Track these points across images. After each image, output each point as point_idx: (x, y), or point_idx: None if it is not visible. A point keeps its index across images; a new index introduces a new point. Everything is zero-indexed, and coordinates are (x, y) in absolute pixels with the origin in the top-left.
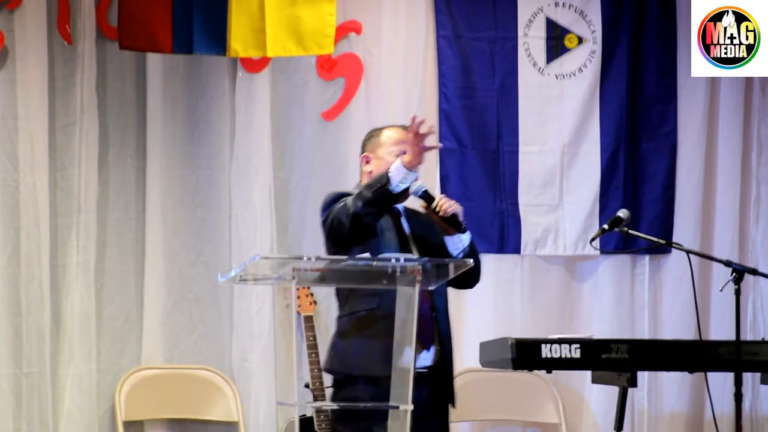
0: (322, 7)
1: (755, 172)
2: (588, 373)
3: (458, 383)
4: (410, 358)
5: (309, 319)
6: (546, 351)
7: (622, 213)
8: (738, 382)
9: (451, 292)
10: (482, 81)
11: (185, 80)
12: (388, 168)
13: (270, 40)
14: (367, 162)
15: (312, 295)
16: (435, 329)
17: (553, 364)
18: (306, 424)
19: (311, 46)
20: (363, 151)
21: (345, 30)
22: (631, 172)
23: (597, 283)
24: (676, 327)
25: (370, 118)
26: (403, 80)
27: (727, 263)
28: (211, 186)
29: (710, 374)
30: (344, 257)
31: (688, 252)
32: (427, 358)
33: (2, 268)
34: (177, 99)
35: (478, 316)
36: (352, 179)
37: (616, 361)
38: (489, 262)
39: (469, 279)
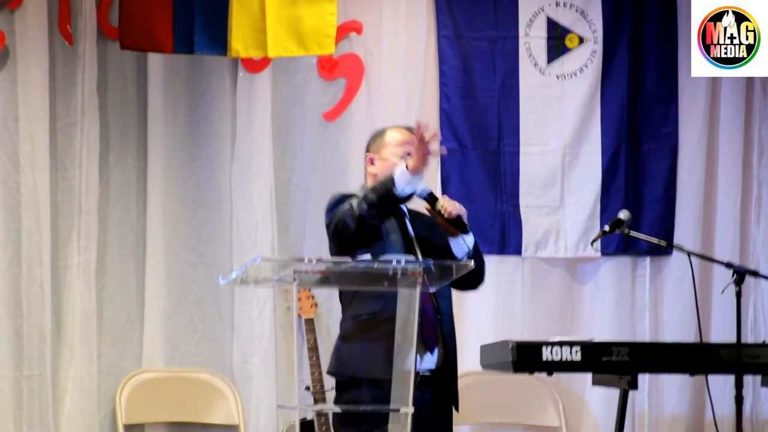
0: (322, 7)
1: (756, 173)
2: (589, 376)
3: (459, 386)
4: (411, 361)
5: (310, 322)
6: (546, 353)
7: (623, 214)
8: (739, 385)
9: (453, 294)
10: (483, 81)
11: (186, 80)
12: (393, 169)
13: (271, 40)
14: (372, 163)
15: (313, 297)
16: (439, 331)
17: (553, 367)
18: (306, 427)
19: (312, 47)
20: (367, 151)
21: (346, 30)
22: (632, 172)
23: (598, 285)
24: (676, 329)
25: (371, 119)
26: (404, 80)
27: (728, 265)
28: (212, 187)
29: (711, 377)
30: (345, 259)
31: (689, 253)
32: (430, 360)
33: (3, 269)
34: (178, 99)
35: (478, 319)
36: (353, 179)
37: (616, 363)
38: (490, 263)
39: (472, 281)
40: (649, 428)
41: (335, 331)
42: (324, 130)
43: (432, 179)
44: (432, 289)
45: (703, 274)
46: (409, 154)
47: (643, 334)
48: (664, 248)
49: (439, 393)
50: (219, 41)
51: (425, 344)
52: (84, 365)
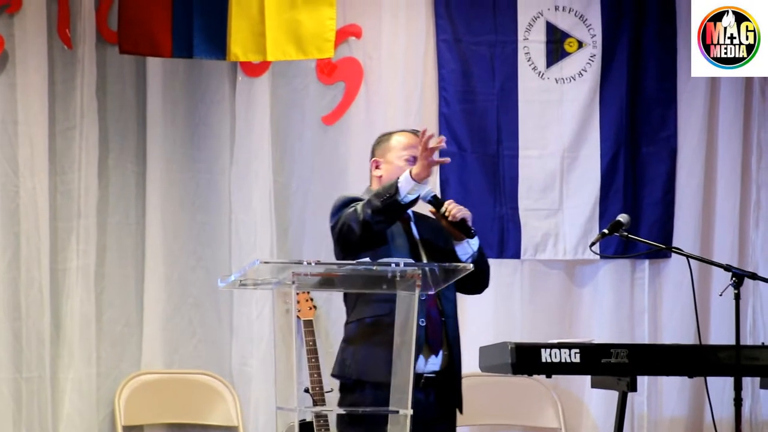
0: (322, 11)
1: (755, 177)
2: (588, 378)
3: None
4: (410, 363)
5: (309, 324)
6: (546, 356)
7: (622, 217)
8: (738, 387)
9: None
10: (482, 85)
11: (185, 84)
12: (398, 173)
13: (270, 44)
14: (377, 167)
15: (312, 299)
16: (443, 334)
17: (552, 369)
18: (305, 428)
19: (311, 50)
20: (372, 155)
21: (345, 34)
22: (631, 176)
23: (597, 288)
24: (675, 331)
25: (370, 122)
26: (403, 84)
27: (727, 267)
28: (211, 190)
29: (710, 379)
30: (344, 262)
31: (687, 256)
32: (435, 363)
33: (2, 272)
34: (177, 103)
35: (477, 321)
36: (352, 183)
37: (615, 365)
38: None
39: (477, 284)
40: (648, 430)
41: (334, 334)
42: (323, 134)
43: (431, 182)
44: (431, 292)
45: (701, 277)
46: (414, 157)
47: (642, 337)
48: (663, 251)
49: (443, 395)
50: (218, 45)
51: (430, 346)
52: (83, 368)
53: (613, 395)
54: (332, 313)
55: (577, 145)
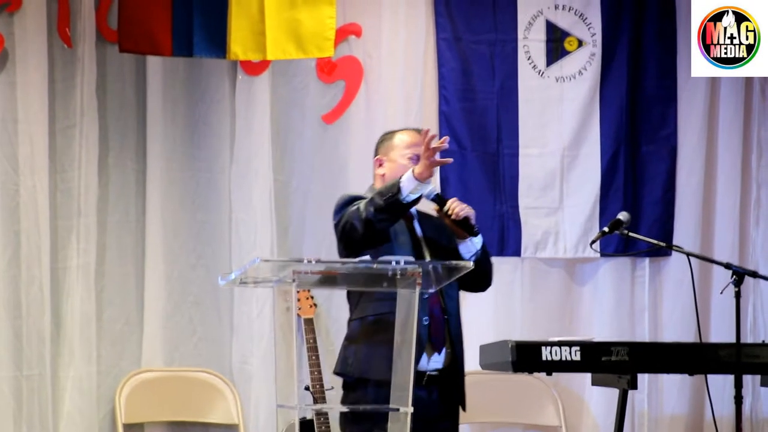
0: (321, 10)
1: (755, 175)
2: (588, 376)
3: None
4: (410, 361)
5: (309, 322)
6: (546, 353)
7: (622, 215)
8: (738, 385)
9: None
10: (482, 83)
11: (185, 83)
12: (401, 171)
13: (270, 43)
14: (380, 165)
15: (312, 297)
16: (446, 332)
17: (553, 367)
18: (306, 426)
19: (311, 49)
20: (376, 154)
21: (345, 33)
22: (631, 174)
23: (597, 286)
24: (676, 329)
25: (370, 121)
26: (403, 83)
27: (727, 266)
28: (211, 189)
29: (710, 377)
30: (344, 260)
31: (688, 254)
32: (438, 360)
33: (2, 270)
34: (177, 102)
35: (478, 319)
36: (352, 182)
37: (616, 363)
38: None
39: (481, 282)
40: (649, 428)
41: (334, 331)
42: (323, 133)
43: (432, 181)
44: (432, 290)
45: (702, 275)
46: (417, 156)
47: (643, 335)
48: (663, 249)
49: (446, 393)
50: (218, 44)
51: (433, 344)
52: (83, 366)
53: (614, 393)
54: (333, 311)
55: (577, 144)
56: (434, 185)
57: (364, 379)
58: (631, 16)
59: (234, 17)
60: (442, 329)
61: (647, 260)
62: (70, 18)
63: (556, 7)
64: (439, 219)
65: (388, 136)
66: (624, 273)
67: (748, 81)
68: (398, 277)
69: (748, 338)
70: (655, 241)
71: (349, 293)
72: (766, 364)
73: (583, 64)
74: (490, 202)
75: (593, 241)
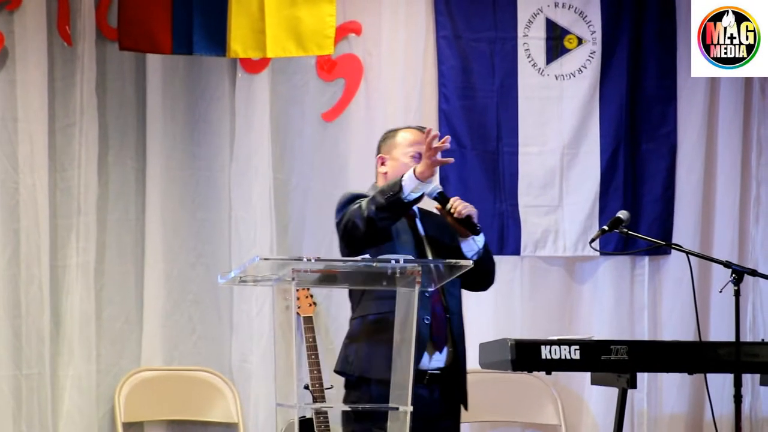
0: (321, 8)
1: (755, 173)
2: (587, 375)
3: None
4: (410, 360)
5: (309, 321)
6: (545, 352)
7: (622, 214)
8: (737, 384)
9: None
10: (482, 81)
11: (185, 81)
12: (404, 170)
13: (270, 40)
14: (383, 163)
15: (312, 296)
16: (448, 330)
17: (552, 366)
18: (305, 425)
19: (311, 47)
20: (378, 152)
21: (345, 31)
22: (630, 172)
23: (597, 284)
24: (675, 328)
25: (370, 119)
26: (402, 81)
27: (727, 264)
28: (210, 187)
29: (710, 375)
30: (344, 259)
31: (687, 253)
32: (439, 359)
33: (2, 269)
34: (177, 100)
35: (477, 317)
36: (352, 180)
37: (615, 362)
38: None
39: (483, 281)
40: (648, 427)
41: (334, 330)
42: (323, 131)
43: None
44: (431, 289)
45: (701, 274)
46: (420, 154)
47: (642, 334)
48: (662, 248)
49: (448, 392)
50: (218, 42)
51: (434, 343)
52: (83, 365)
53: (613, 392)
54: (332, 310)
55: (577, 142)
56: (437, 183)
57: (365, 378)
58: (631, 15)
59: (234, 15)
60: (444, 328)
61: (647, 259)
62: (70, 16)
63: (556, 5)
64: (442, 217)
65: (390, 134)
66: (623, 271)
67: (748, 79)
68: (398, 275)
69: (747, 337)
70: (654, 240)
71: (350, 292)
72: (766, 362)
73: (583, 62)
74: (489, 200)
75: (593, 240)
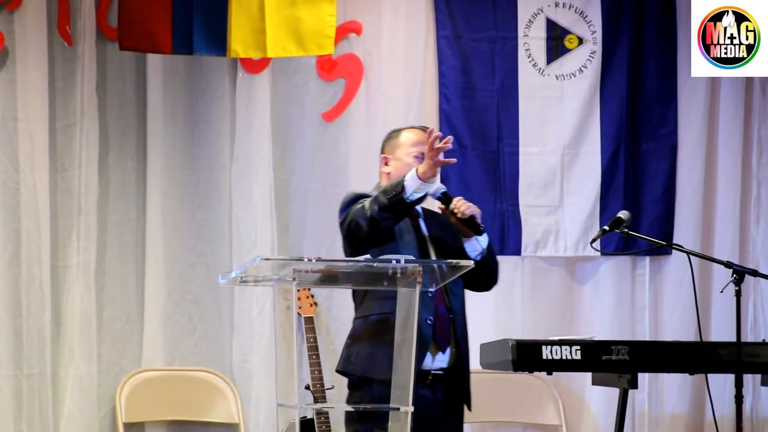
0: (322, 8)
1: (756, 173)
2: (588, 375)
3: None
4: (411, 360)
5: (309, 321)
6: (546, 352)
7: (623, 214)
8: (739, 384)
9: None
10: (482, 81)
11: (185, 81)
12: (407, 170)
13: (270, 40)
14: (386, 163)
15: (313, 296)
16: (452, 331)
17: (553, 366)
18: (306, 425)
19: (311, 47)
20: (382, 151)
21: (345, 31)
22: (631, 172)
23: (597, 285)
24: (676, 328)
25: (371, 119)
26: (403, 81)
27: (728, 264)
28: (211, 187)
29: (711, 376)
30: (344, 259)
31: (688, 253)
32: (443, 359)
33: (3, 269)
34: (177, 100)
35: (478, 318)
36: (352, 179)
37: (616, 362)
38: None
39: (486, 281)
40: (649, 427)
41: (335, 330)
42: (323, 131)
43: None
44: (432, 289)
45: (702, 274)
46: (423, 154)
47: (643, 334)
48: (663, 248)
49: (451, 392)
50: (218, 42)
51: (437, 344)
52: (84, 365)
53: (614, 392)
54: (333, 310)
55: (578, 142)
56: (441, 184)
57: (367, 378)
58: (632, 14)
59: (234, 15)
60: (447, 328)
61: (647, 259)
62: (70, 16)
63: (557, 5)
64: (445, 217)
65: (394, 134)
66: (624, 272)
67: (749, 79)
68: (398, 275)
69: (748, 337)
70: (655, 240)
71: (354, 292)
72: (767, 363)
73: (584, 62)
74: (490, 200)
75: (593, 240)
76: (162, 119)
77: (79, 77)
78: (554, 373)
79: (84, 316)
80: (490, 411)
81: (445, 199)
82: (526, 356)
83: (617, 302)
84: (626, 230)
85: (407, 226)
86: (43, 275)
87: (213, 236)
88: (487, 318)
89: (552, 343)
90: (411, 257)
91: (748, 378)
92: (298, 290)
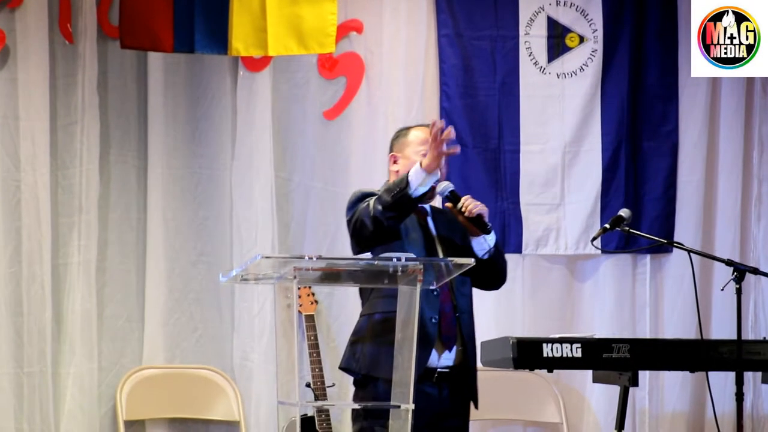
0: (323, 6)
1: (756, 171)
2: (589, 373)
3: None
4: (411, 358)
5: (310, 319)
6: (547, 350)
7: (624, 212)
8: (739, 382)
9: None
10: (483, 80)
11: (186, 79)
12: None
13: (271, 39)
14: (395, 161)
15: (313, 294)
16: (458, 329)
17: (554, 364)
18: (307, 423)
19: (312, 45)
20: (390, 150)
21: (346, 29)
22: (632, 171)
23: (598, 283)
24: (677, 326)
25: (372, 117)
26: (404, 79)
27: (729, 262)
28: (212, 185)
29: (711, 373)
30: (345, 257)
31: (689, 251)
32: (449, 358)
33: (4, 267)
34: (178, 98)
35: (479, 316)
36: (353, 178)
37: (617, 360)
38: None
39: (494, 280)
40: (650, 425)
41: (335, 328)
42: (324, 129)
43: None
44: (434, 286)
45: (703, 272)
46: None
47: (644, 332)
48: (664, 246)
49: (456, 390)
50: (219, 40)
51: (443, 342)
52: (84, 363)
53: (615, 390)
54: (334, 308)
55: (579, 140)
56: (448, 182)
57: (371, 377)
58: (633, 12)
59: (235, 13)
60: (454, 327)
61: (648, 257)
62: (71, 14)
63: (558, 3)
64: (453, 216)
65: (402, 132)
66: (625, 270)
67: (749, 78)
68: (399, 274)
69: (749, 335)
70: (656, 238)
71: (361, 289)
72: (767, 360)
73: (585, 61)
74: (491, 198)
75: (594, 238)
76: (163, 117)
77: (80, 75)
78: (555, 370)
79: (85, 313)
80: (491, 409)
81: (453, 197)
82: (527, 354)
83: (618, 300)
84: (627, 228)
85: (414, 224)
86: (43, 273)
87: (214, 234)
88: (488, 316)
89: (553, 340)
90: (411, 255)
91: (748, 376)
92: (299, 288)
